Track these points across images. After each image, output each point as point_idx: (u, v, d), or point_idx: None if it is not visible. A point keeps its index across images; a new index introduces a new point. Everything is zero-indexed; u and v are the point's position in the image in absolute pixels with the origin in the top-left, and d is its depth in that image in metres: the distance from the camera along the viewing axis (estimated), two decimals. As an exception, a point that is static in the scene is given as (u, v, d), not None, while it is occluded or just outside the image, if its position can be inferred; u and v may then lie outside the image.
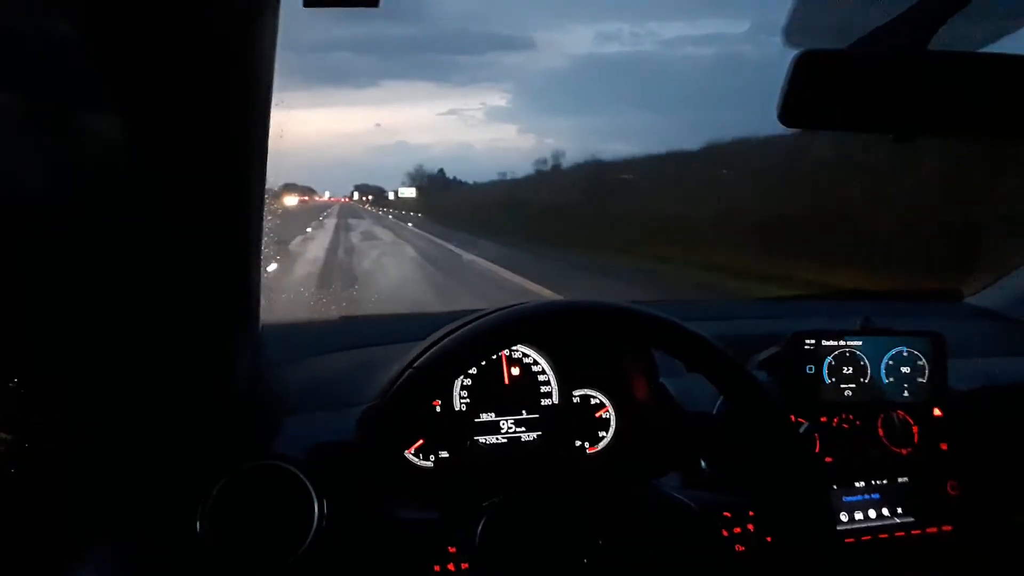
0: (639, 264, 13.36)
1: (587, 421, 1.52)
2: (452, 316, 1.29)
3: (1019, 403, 1.53)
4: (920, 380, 1.47)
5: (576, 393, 1.52)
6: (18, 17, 0.81)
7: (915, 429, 1.45)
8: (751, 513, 1.20)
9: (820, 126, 0.90)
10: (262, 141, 0.96)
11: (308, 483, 1.08)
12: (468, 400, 1.47)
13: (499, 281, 11.71)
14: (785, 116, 0.87)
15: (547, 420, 1.50)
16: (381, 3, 0.71)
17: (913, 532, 1.42)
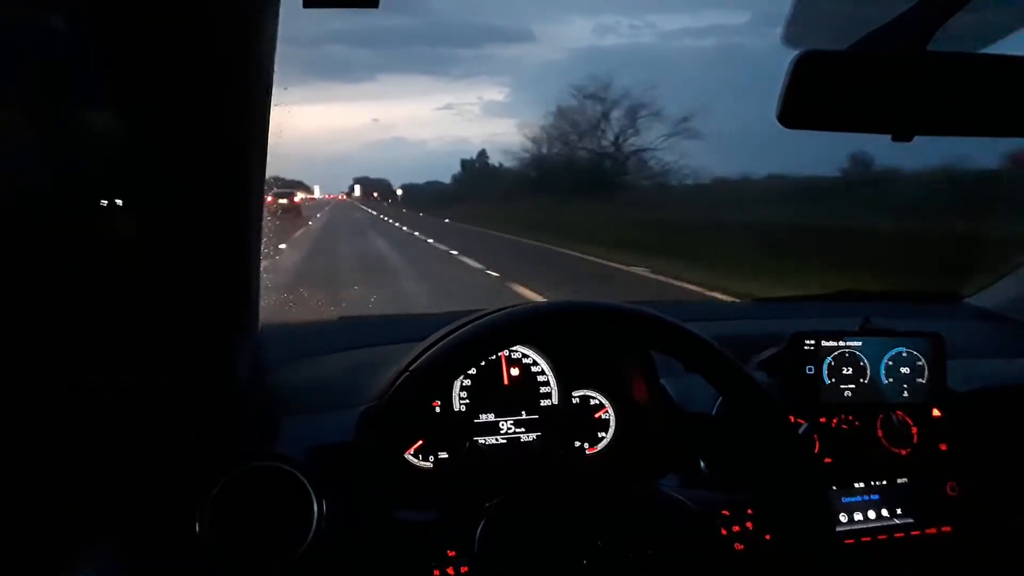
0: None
1: (586, 422, 1.52)
2: (451, 317, 1.29)
3: (1018, 404, 1.53)
4: (919, 381, 1.47)
5: (575, 394, 1.52)
6: (18, 16, 0.81)
7: (914, 430, 1.45)
8: (750, 511, 1.20)
9: (819, 127, 0.90)
10: (261, 141, 0.96)
11: (307, 484, 1.08)
12: (468, 401, 1.46)
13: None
14: (785, 117, 0.87)
15: (547, 421, 1.50)
16: (380, 2, 0.71)
17: (913, 533, 1.42)
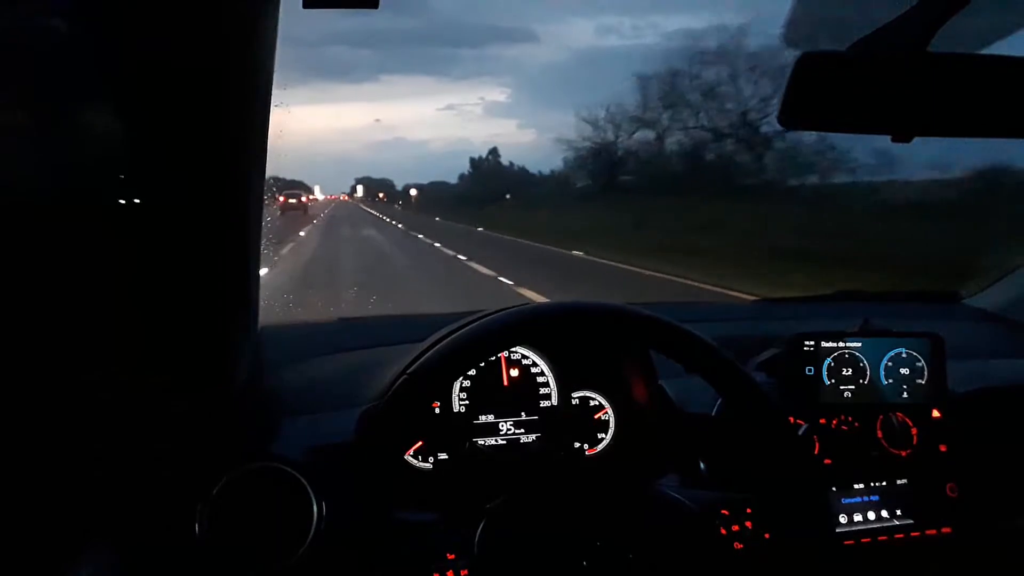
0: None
1: (586, 423, 1.52)
2: (451, 318, 1.29)
3: (1018, 405, 1.53)
4: (919, 382, 1.46)
5: (575, 395, 1.52)
6: (18, 17, 0.81)
7: (914, 431, 1.45)
8: (749, 511, 1.20)
9: (821, 127, 0.90)
10: (261, 141, 0.96)
11: (307, 485, 1.07)
12: (467, 402, 1.46)
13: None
14: (786, 118, 0.88)
15: (546, 422, 1.50)
16: (380, 2, 0.71)
17: (912, 534, 1.41)
